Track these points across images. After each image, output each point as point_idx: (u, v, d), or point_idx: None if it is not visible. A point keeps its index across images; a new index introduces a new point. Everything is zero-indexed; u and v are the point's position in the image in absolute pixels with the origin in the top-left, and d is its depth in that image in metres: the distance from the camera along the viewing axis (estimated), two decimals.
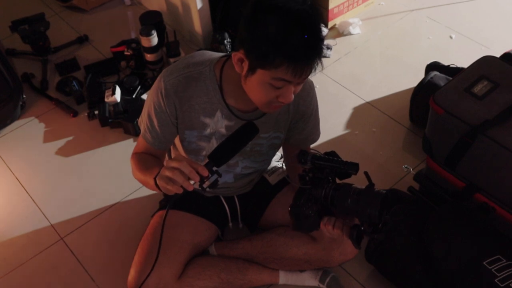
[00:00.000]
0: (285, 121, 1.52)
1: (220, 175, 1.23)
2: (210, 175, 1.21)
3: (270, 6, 1.18)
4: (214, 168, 1.22)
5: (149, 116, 1.47)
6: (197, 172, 1.19)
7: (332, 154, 1.32)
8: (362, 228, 1.24)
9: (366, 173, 1.27)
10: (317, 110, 1.58)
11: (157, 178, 1.25)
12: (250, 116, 1.46)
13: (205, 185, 1.22)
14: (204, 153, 1.54)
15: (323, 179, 1.27)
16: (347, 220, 1.28)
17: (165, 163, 1.22)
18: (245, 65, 1.26)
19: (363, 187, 1.24)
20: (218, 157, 1.24)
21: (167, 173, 1.20)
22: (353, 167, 1.26)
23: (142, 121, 1.51)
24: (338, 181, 1.31)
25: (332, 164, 1.27)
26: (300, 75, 1.22)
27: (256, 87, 1.28)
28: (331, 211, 1.29)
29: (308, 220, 1.28)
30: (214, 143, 1.50)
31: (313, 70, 1.25)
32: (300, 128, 1.56)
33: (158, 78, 1.43)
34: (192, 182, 1.20)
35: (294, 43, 1.17)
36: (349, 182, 1.28)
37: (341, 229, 1.26)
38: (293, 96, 1.29)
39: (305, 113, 1.52)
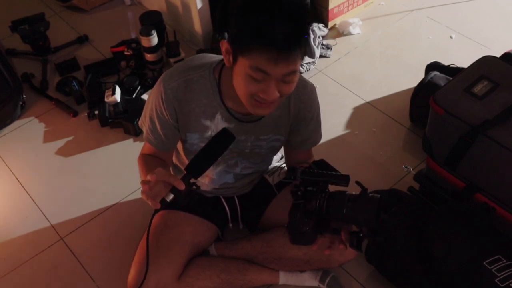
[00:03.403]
0: (285, 124, 1.52)
1: (198, 187, 1.22)
2: (188, 187, 1.20)
3: None
4: (192, 180, 1.21)
5: (151, 119, 1.48)
6: (174, 187, 1.19)
7: (321, 163, 1.31)
8: (361, 235, 1.23)
9: (358, 182, 1.25)
10: (319, 114, 1.58)
11: (140, 193, 1.25)
12: (250, 118, 1.46)
13: (183, 201, 1.21)
14: None
15: (315, 191, 1.26)
16: (346, 226, 1.28)
17: (148, 177, 1.23)
18: (230, 56, 1.26)
19: (357, 193, 1.23)
20: (195, 169, 1.23)
21: (145, 189, 1.21)
22: (343, 180, 1.25)
23: (144, 124, 1.52)
24: (330, 187, 1.30)
25: (322, 179, 1.26)
26: (276, 63, 1.19)
27: (239, 79, 1.26)
28: (328, 220, 1.29)
29: (305, 235, 1.28)
30: None
31: (292, 63, 1.21)
32: (301, 131, 1.55)
33: (158, 81, 1.43)
34: (170, 196, 1.20)
35: (269, 28, 1.16)
36: (342, 190, 1.27)
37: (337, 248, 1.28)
38: (276, 93, 1.25)
39: (306, 117, 1.52)
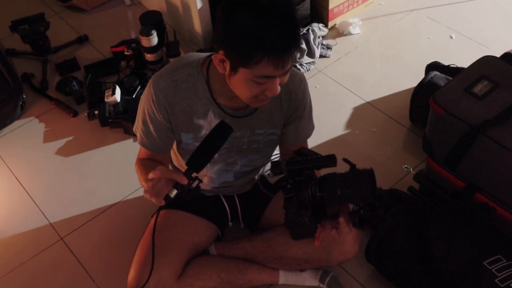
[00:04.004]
0: (279, 117, 1.51)
1: (201, 181, 1.23)
2: (191, 182, 1.20)
3: (241, 2, 1.18)
4: (194, 174, 1.21)
5: (144, 123, 1.47)
6: (177, 182, 1.19)
7: (302, 151, 1.27)
8: (361, 212, 1.21)
9: (345, 160, 1.24)
10: (310, 104, 1.57)
11: (143, 192, 1.25)
12: (242, 113, 1.46)
13: (186, 195, 1.21)
14: None
15: (304, 180, 1.23)
16: (342, 208, 1.24)
17: (150, 176, 1.23)
18: (227, 65, 1.26)
19: (347, 171, 1.20)
20: (196, 163, 1.23)
21: (148, 187, 1.21)
22: (330, 161, 1.22)
23: (138, 128, 1.51)
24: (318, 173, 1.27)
25: (309, 165, 1.23)
26: (282, 67, 1.21)
27: (241, 85, 1.27)
28: (324, 207, 1.27)
29: (304, 227, 1.25)
30: None
31: (294, 59, 1.24)
32: (295, 123, 1.54)
33: (148, 84, 1.43)
34: (174, 192, 1.20)
35: (270, 35, 1.16)
36: (331, 172, 1.23)
37: (337, 231, 1.24)
38: (279, 88, 1.28)
39: (298, 107, 1.52)
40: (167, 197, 1.21)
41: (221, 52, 1.24)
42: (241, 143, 1.53)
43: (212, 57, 1.29)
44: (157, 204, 1.21)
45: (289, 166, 1.22)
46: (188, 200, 1.22)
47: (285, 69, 1.23)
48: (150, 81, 1.43)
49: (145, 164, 1.50)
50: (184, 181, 1.19)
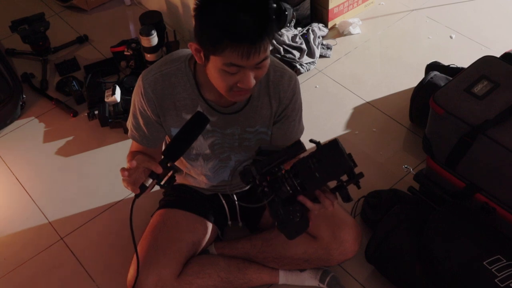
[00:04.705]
0: (269, 116, 1.51)
1: (176, 170, 1.25)
2: (166, 171, 1.23)
3: None
4: (169, 164, 1.24)
5: (134, 116, 1.49)
6: (153, 171, 1.23)
7: (262, 150, 1.25)
8: (344, 184, 1.20)
9: (311, 140, 1.22)
10: (301, 106, 1.56)
11: (122, 181, 1.28)
12: (230, 109, 1.46)
13: (162, 182, 1.25)
14: (194, 151, 1.55)
15: (278, 176, 1.21)
16: (321, 190, 1.24)
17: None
18: (202, 54, 1.27)
19: (314, 151, 1.18)
20: (172, 152, 1.25)
21: (124, 176, 1.24)
22: (298, 149, 1.20)
23: (129, 121, 1.53)
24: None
25: (279, 160, 1.20)
26: (248, 57, 1.20)
27: (214, 74, 1.28)
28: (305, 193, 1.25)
29: (297, 224, 1.25)
30: (201, 140, 1.51)
31: (263, 52, 1.22)
32: (282, 122, 1.53)
33: (139, 78, 1.44)
34: (149, 181, 1.23)
35: (235, 24, 1.16)
36: (300, 159, 1.22)
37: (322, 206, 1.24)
38: (253, 81, 1.27)
39: (287, 105, 1.51)
40: (142, 186, 1.25)
41: (197, 41, 1.25)
42: (232, 140, 1.53)
43: (189, 44, 1.30)
44: (133, 192, 1.25)
45: (260, 170, 1.20)
46: (164, 189, 1.23)
47: (253, 60, 1.21)
48: (140, 75, 1.44)
49: (135, 156, 1.51)
50: (159, 170, 1.22)
